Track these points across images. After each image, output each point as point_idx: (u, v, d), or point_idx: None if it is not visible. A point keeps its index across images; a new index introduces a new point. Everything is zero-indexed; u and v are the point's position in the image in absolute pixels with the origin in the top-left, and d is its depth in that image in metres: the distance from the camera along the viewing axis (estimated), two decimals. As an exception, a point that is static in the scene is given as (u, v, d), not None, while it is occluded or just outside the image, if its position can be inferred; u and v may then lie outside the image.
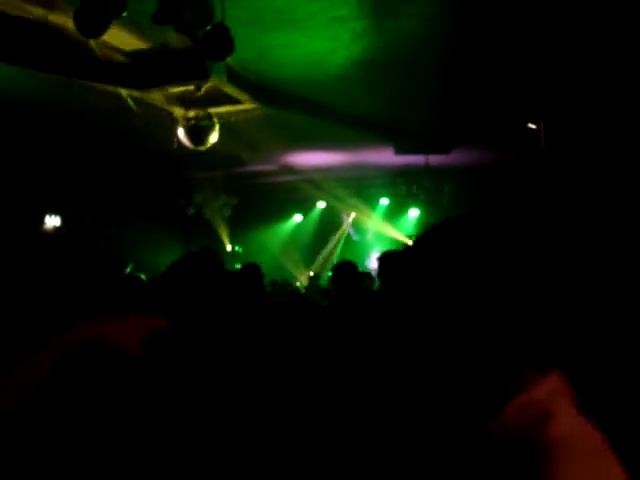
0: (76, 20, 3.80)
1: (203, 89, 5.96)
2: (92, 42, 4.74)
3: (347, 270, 3.88)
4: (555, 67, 5.71)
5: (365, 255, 12.09)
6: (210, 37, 3.98)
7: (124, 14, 3.87)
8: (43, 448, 1.35)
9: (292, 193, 12.88)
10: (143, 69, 5.56)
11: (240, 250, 13.56)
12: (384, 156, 9.46)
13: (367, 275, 4.87)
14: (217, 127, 6.36)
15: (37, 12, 4.57)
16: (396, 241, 12.07)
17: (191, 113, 6.34)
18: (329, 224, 13.48)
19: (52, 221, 10.51)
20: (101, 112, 7.25)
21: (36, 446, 1.35)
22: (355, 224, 13.24)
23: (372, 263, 9.26)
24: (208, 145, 6.45)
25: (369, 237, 12.98)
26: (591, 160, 7.90)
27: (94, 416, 1.43)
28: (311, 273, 11.34)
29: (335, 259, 12.65)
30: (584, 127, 7.46)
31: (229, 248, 13.53)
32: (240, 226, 13.42)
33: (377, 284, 4.50)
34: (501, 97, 6.71)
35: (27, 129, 8.03)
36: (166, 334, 1.53)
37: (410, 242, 11.86)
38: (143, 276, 4.62)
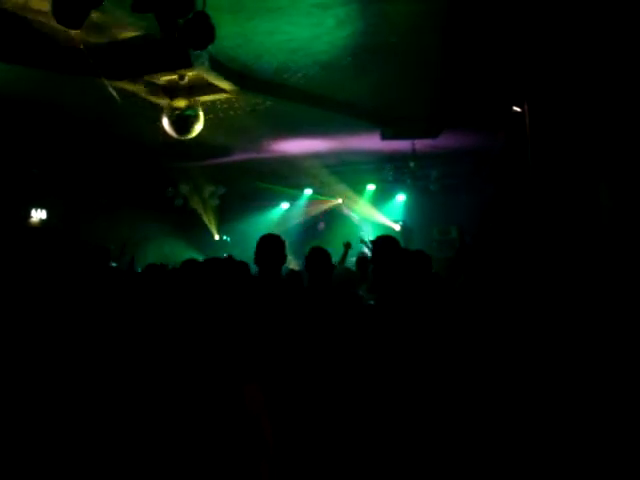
0: (55, 10, 3.75)
1: (186, 78, 5.93)
2: (73, 32, 4.68)
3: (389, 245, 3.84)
4: (540, 49, 5.71)
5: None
6: (191, 25, 3.93)
7: (104, 3, 3.82)
8: None
9: (279, 181, 12.85)
10: (125, 59, 5.50)
11: (228, 239, 13.54)
12: (371, 142, 9.43)
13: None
14: (202, 116, 6.35)
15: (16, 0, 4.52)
16: (383, 226, 12.08)
17: (175, 103, 6.31)
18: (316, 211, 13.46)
19: (38, 214, 10.42)
20: (85, 103, 7.19)
21: None
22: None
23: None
24: (193, 135, 6.44)
25: (358, 222, 12.92)
26: (577, 141, 7.92)
27: None
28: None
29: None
30: (569, 108, 7.48)
31: (217, 237, 13.52)
32: (228, 215, 13.39)
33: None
34: (487, 80, 6.71)
35: (11, 122, 7.94)
36: None
37: (397, 227, 11.91)
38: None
